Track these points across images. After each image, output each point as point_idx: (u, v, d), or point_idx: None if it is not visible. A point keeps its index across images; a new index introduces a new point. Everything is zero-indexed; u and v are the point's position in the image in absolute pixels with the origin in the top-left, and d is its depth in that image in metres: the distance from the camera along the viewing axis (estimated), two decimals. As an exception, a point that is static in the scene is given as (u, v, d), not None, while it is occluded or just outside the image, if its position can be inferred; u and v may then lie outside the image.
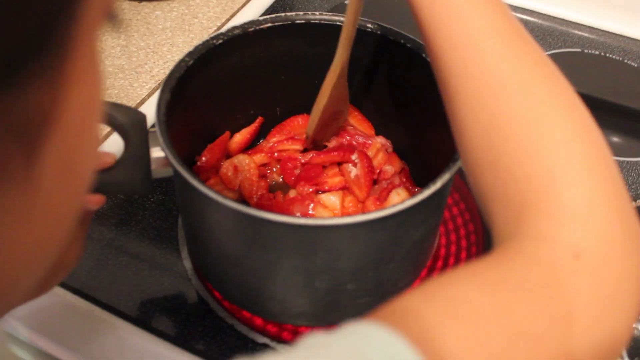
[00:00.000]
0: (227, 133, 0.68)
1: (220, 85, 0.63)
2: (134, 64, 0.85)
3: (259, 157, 0.68)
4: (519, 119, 0.35)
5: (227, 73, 0.63)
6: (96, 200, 0.49)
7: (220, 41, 0.60)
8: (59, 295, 0.61)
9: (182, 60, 0.57)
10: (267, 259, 0.50)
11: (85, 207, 0.48)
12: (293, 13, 0.62)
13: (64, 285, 0.61)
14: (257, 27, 0.61)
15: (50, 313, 0.60)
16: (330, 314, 0.56)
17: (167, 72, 0.56)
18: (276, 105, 0.70)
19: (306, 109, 0.71)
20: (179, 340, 0.58)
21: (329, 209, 0.62)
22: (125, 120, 0.54)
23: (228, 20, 0.92)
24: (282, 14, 0.62)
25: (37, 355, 0.62)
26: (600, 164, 0.34)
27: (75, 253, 0.48)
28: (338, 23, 0.60)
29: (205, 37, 0.84)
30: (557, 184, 0.33)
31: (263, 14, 0.93)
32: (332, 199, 0.63)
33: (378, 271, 0.52)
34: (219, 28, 0.90)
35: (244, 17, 0.92)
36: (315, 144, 0.67)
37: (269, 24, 0.62)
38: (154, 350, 0.57)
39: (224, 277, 0.57)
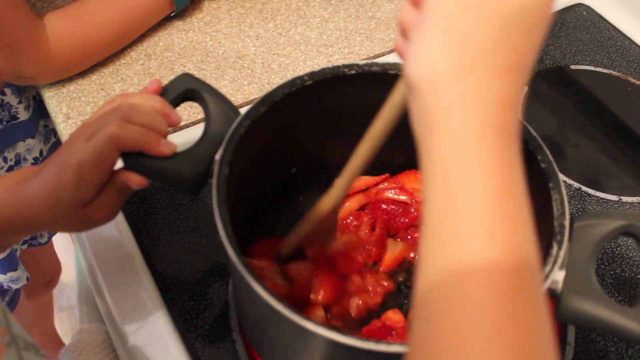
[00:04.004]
0: None
1: (334, 115, 0.59)
2: (321, 42, 0.83)
3: (357, 199, 0.64)
4: None
5: (352, 104, 0.58)
6: (137, 180, 0.49)
7: (352, 72, 0.55)
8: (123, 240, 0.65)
9: (298, 78, 0.54)
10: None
11: (126, 181, 0.49)
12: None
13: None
14: (398, 72, 0.55)
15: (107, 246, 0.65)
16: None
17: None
18: (400, 152, 0.64)
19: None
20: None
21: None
22: (216, 113, 0.53)
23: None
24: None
25: (87, 267, 0.68)
26: None
27: (103, 214, 0.51)
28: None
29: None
30: None
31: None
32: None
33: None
34: (381, 54, 0.83)
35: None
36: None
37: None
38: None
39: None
